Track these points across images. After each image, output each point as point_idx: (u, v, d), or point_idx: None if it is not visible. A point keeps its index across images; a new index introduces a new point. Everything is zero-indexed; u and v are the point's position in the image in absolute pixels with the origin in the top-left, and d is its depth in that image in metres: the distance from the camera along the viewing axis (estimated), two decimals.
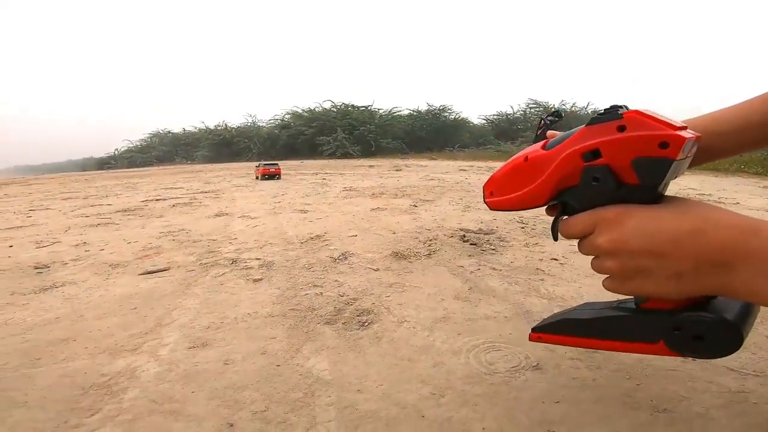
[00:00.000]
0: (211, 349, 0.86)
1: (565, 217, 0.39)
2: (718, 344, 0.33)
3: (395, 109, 20.29)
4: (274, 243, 1.76)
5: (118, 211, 2.88)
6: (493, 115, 21.92)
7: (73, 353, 0.87)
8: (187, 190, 4.49)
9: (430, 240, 1.68)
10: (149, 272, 1.47)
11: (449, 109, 20.39)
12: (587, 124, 0.36)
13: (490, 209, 0.44)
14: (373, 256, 1.53)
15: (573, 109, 21.02)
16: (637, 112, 0.34)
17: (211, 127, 22.15)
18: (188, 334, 0.98)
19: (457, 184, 4.04)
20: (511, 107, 21.84)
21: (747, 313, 0.33)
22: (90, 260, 1.64)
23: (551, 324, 0.42)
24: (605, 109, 0.36)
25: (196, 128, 23.75)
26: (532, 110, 21.09)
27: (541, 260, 1.50)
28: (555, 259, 1.51)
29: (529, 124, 20.75)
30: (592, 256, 0.37)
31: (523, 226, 1.93)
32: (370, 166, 8.45)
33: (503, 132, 20.46)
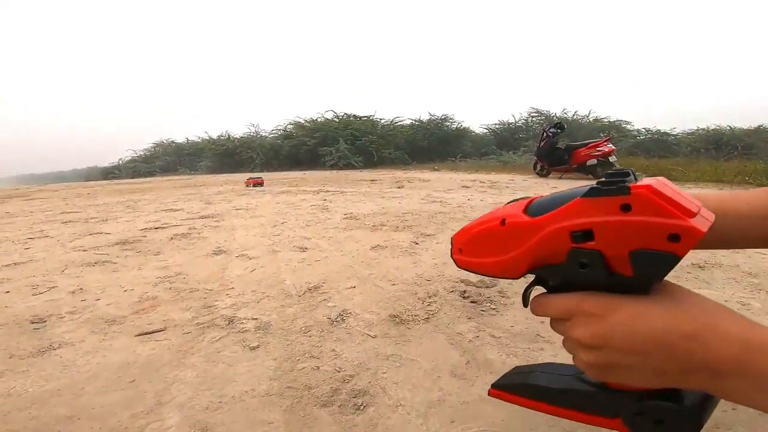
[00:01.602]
0: None
1: (541, 290, 0.36)
2: (677, 429, 0.32)
3: (397, 118, 20.33)
4: (271, 296, 1.76)
5: (117, 244, 2.89)
6: (495, 124, 21.93)
7: None
8: (187, 212, 4.50)
9: (430, 297, 1.68)
10: (146, 333, 1.47)
11: (451, 119, 20.40)
12: (584, 195, 0.30)
13: (459, 268, 0.40)
14: (371, 317, 1.53)
15: (575, 117, 20.98)
16: (649, 188, 0.28)
17: (215, 137, 22.25)
18: (188, 415, 1.03)
19: (459, 208, 4.03)
20: (513, 116, 21.77)
21: (708, 402, 0.32)
22: (86, 313, 1.68)
23: (512, 385, 0.40)
24: (609, 175, 0.31)
25: (199, 138, 23.94)
26: (533, 119, 21.10)
27: (542, 322, 1.49)
28: None
29: (531, 133, 20.74)
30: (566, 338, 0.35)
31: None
32: (372, 181, 8.44)
33: (505, 141, 20.45)
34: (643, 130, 18.83)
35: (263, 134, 22.27)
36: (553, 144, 8.77)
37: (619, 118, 20.31)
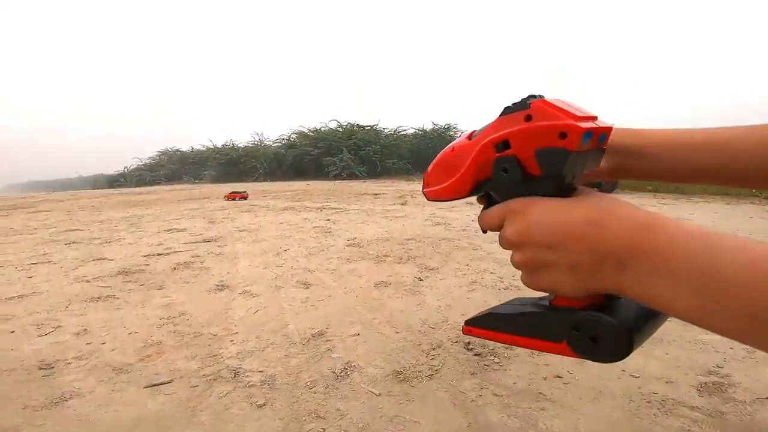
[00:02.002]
0: None
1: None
2: (610, 347, 0.32)
3: (400, 128, 20.39)
4: (275, 343, 1.79)
5: (119, 274, 2.93)
6: None
7: None
8: (190, 233, 4.54)
9: (434, 348, 1.70)
10: (154, 385, 1.49)
11: (454, 128, 20.43)
12: (501, 114, 0.36)
13: (427, 200, 0.44)
14: (375, 372, 1.54)
15: None
16: (543, 101, 0.34)
17: (219, 145, 22.37)
18: None
19: (464, 232, 4.05)
20: None
21: (646, 319, 0.32)
22: (93, 359, 1.74)
23: (480, 317, 0.42)
24: (521, 99, 0.36)
25: (203, 147, 24.11)
26: None
27: (544, 378, 1.50)
28: (559, 377, 1.52)
29: None
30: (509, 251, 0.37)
31: None
32: (376, 195, 8.47)
33: None
34: None
35: (267, 143, 22.38)
36: None
37: (625, 126, 20.40)
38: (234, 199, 9.05)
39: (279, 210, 6.63)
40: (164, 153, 26.66)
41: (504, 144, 0.36)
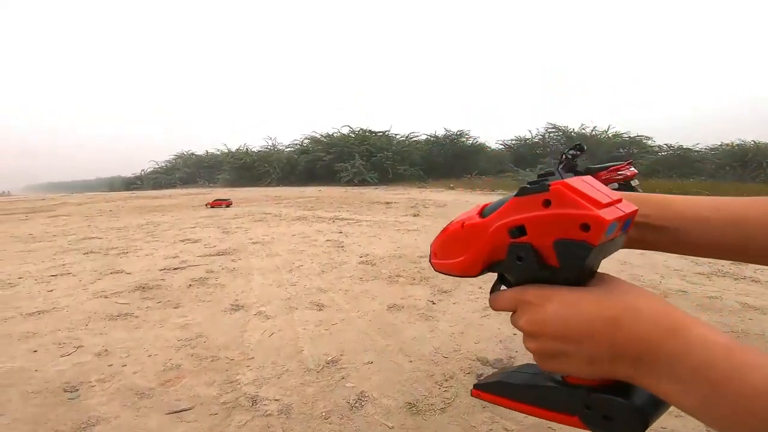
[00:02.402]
0: None
1: (503, 288, 0.39)
2: (624, 427, 0.32)
3: (412, 134, 20.43)
4: (291, 369, 1.84)
5: (137, 289, 3.01)
6: (512, 140, 21.84)
7: None
8: (205, 245, 4.63)
9: (447, 380, 1.74)
10: (175, 412, 1.55)
11: (467, 134, 20.39)
12: (516, 194, 0.34)
13: (435, 271, 0.43)
14: (389, 404, 1.58)
15: (593, 133, 20.69)
16: (563, 184, 0.32)
17: (233, 150, 22.66)
18: None
19: None
20: (530, 131, 21.60)
21: (659, 402, 0.32)
22: (115, 382, 1.82)
23: (490, 384, 0.41)
24: (538, 177, 0.35)
25: (218, 151, 24.49)
26: (551, 134, 20.97)
27: None
28: None
29: (549, 149, 20.56)
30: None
31: None
32: (388, 205, 8.50)
33: (522, 158, 20.33)
34: (665, 146, 18.54)
35: (280, 147, 22.60)
36: (572, 167, 8.68)
37: (639, 134, 19.96)
38: (219, 207, 9.10)
39: (291, 220, 6.71)
40: (180, 156, 27.12)
41: (519, 229, 0.34)
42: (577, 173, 8.65)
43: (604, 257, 0.34)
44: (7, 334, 2.25)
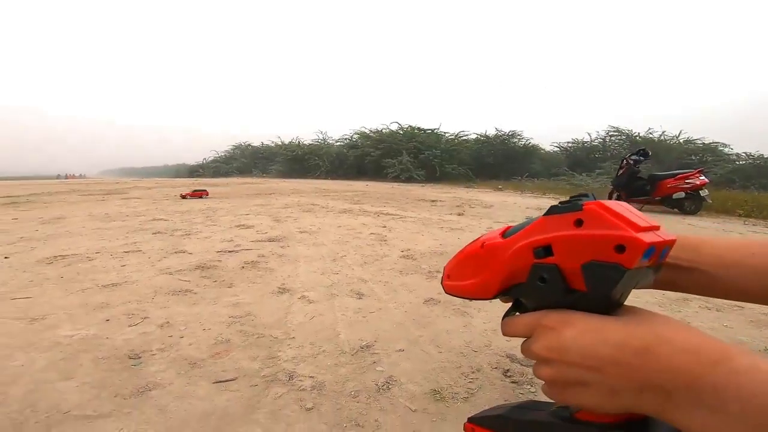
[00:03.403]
0: None
1: (516, 313, 0.38)
2: None
3: (462, 132, 20.17)
4: (327, 351, 1.95)
5: (197, 268, 3.27)
6: (568, 142, 20.93)
7: None
8: (257, 231, 4.92)
9: (473, 372, 1.80)
10: (221, 381, 1.70)
11: (519, 135, 19.82)
12: (546, 213, 0.33)
13: (445, 293, 0.43)
14: (415, 389, 1.67)
15: (662, 138, 19.31)
16: (599, 204, 0.30)
17: (286, 142, 23.55)
18: None
19: None
20: (589, 134, 20.55)
21: None
22: (173, 352, 2.00)
23: (486, 418, 0.39)
24: (570, 198, 0.33)
25: (272, 143, 25.52)
26: (613, 139, 19.85)
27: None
28: None
29: (609, 154, 19.47)
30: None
31: None
32: (433, 203, 8.51)
33: (578, 162, 19.43)
34: (743, 154, 17.03)
35: (330, 141, 23.15)
36: (633, 173, 8.18)
37: (716, 140, 18.39)
38: (198, 198, 9.05)
39: (338, 212, 6.92)
40: (237, 147, 28.59)
41: (545, 250, 0.32)
42: (639, 180, 8.16)
43: (633, 287, 0.32)
44: (85, 304, 2.54)
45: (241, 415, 1.50)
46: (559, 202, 0.32)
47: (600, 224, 0.29)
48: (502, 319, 0.38)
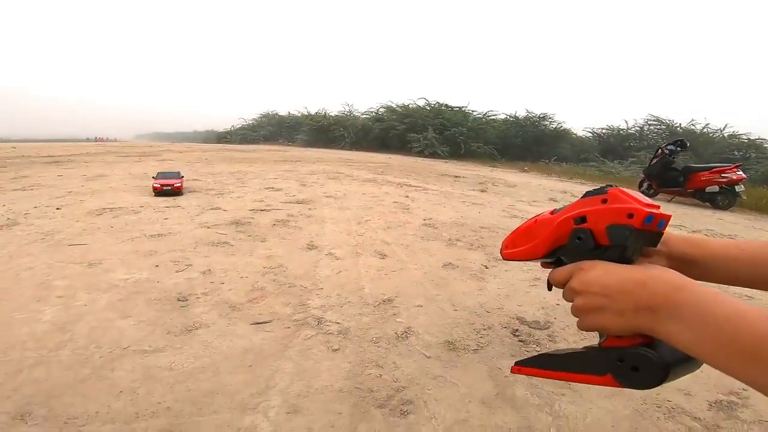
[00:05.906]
0: (300, 416, 1.33)
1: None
2: (648, 376, 0.41)
3: (491, 112, 19.70)
4: (352, 302, 2.14)
5: (232, 224, 3.51)
6: (602, 128, 20.15)
7: (219, 406, 1.37)
8: (286, 194, 5.16)
9: (485, 329, 1.94)
10: (258, 323, 1.90)
11: (550, 118, 19.23)
12: (582, 196, 0.47)
13: (504, 260, 0.56)
14: (430, 339, 1.83)
15: (704, 131, 18.19)
16: (619, 189, 0.45)
17: (312, 113, 23.60)
18: (286, 399, 1.43)
19: None
20: (626, 122, 19.66)
21: (684, 361, 0.41)
22: (215, 296, 2.20)
23: (530, 359, 0.50)
24: (600, 187, 0.47)
25: (299, 113, 25.61)
26: (651, 128, 18.81)
27: None
28: None
29: (645, 143, 18.52)
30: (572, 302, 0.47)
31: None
32: (456, 178, 8.55)
33: (611, 149, 18.61)
34: None
35: (356, 114, 23.05)
36: (667, 163, 7.84)
37: (761, 136, 17.25)
38: (168, 188, 4.65)
39: (362, 181, 7.05)
40: (265, 115, 28.79)
41: (581, 219, 0.45)
42: (672, 171, 7.84)
43: (640, 247, 0.46)
44: (135, 251, 2.77)
45: (276, 352, 1.69)
46: (592, 189, 0.47)
47: (618, 201, 0.44)
48: (549, 274, 0.50)
